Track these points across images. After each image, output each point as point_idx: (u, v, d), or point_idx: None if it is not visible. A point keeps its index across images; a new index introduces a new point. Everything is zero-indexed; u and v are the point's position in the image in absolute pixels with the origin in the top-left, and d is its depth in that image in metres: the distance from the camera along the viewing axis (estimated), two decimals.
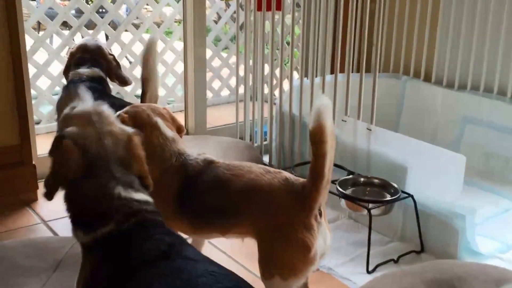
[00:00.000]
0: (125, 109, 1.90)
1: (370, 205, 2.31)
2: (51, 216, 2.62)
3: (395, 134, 2.66)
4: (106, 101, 2.30)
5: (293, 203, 1.67)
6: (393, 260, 2.34)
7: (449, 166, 2.35)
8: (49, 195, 1.37)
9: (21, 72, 2.64)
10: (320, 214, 1.70)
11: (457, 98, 3.26)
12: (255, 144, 3.30)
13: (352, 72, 2.79)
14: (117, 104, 2.16)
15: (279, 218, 1.68)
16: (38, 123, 3.54)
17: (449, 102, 3.30)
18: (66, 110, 1.45)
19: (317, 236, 1.66)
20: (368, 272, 2.26)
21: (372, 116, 2.63)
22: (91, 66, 2.54)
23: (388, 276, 2.05)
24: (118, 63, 2.66)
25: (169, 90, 4.06)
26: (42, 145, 3.10)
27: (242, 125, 3.33)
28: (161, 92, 3.99)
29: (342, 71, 2.95)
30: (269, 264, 1.69)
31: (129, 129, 1.43)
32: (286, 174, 1.76)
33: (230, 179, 1.76)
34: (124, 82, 2.66)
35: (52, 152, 1.36)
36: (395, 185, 2.41)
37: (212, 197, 1.79)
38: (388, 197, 2.39)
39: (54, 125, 3.51)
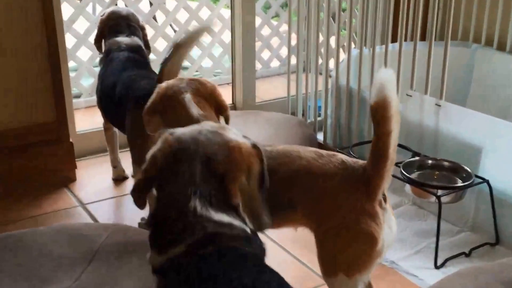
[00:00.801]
0: (160, 84, 1.73)
1: (440, 192, 2.12)
2: (90, 198, 2.49)
3: (467, 111, 2.44)
4: (151, 77, 2.17)
5: (354, 189, 1.50)
6: (464, 253, 2.15)
7: None
8: (137, 198, 1.21)
9: (56, 43, 2.47)
10: (385, 199, 1.53)
11: None
12: (308, 121, 3.11)
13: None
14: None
15: (339, 208, 1.51)
16: (78, 96, 3.41)
17: None
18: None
19: (383, 224, 1.49)
20: (436, 267, 2.08)
21: (442, 90, 2.39)
22: (130, 35, 2.42)
23: (461, 274, 1.82)
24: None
25: (216, 61, 3.87)
26: (81, 121, 2.96)
27: (294, 100, 3.14)
28: (207, 63, 3.83)
29: (405, 39, 2.71)
30: (331, 260, 1.54)
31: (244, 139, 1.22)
32: (342, 156, 1.57)
33: (275, 169, 1.51)
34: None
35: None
36: (468, 169, 2.22)
37: None
38: (460, 183, 2.20)
39: (94, 99, 3.37)
